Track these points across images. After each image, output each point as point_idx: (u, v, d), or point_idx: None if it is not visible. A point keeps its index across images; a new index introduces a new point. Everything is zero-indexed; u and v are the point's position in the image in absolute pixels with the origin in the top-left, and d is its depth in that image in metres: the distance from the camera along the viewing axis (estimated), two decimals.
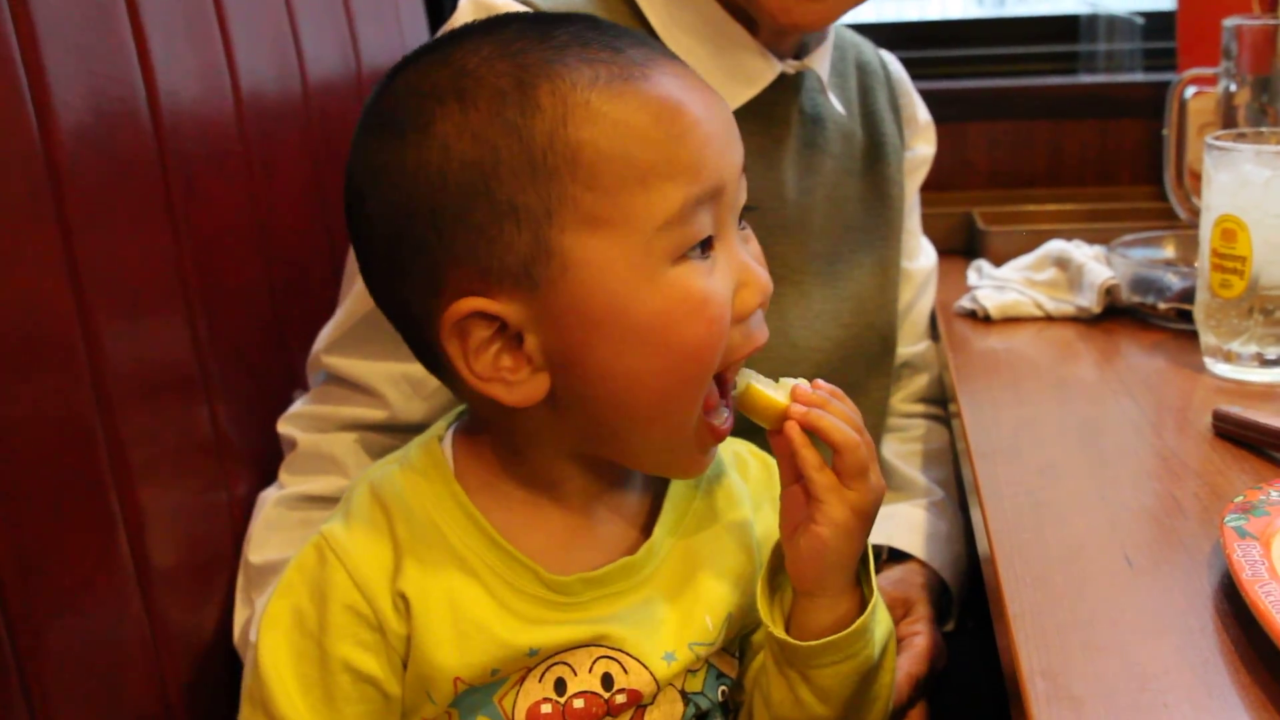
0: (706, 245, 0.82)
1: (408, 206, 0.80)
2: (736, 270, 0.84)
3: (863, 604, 0.90)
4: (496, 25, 0.83)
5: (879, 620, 0.92)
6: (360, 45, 1.57)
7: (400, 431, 1.11)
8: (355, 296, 1.13)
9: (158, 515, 1.00)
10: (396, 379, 1.11)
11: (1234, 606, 0.82)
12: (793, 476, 0.88)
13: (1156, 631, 0.81)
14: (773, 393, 0.86)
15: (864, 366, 1.32)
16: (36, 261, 0.89)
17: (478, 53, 0.80)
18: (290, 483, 1.14)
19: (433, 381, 1.05)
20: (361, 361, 1.13)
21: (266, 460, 1.19)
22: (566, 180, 0.78)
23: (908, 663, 1.12)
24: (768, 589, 0.92)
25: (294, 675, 0.86)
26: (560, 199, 0.78)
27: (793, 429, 0.85)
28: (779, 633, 0.89)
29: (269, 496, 1.14)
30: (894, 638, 0.95)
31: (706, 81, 0.86)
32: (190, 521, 1.07)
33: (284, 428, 1.17)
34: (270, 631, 0.87)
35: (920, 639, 1.15)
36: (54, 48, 0.91)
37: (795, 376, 0.89)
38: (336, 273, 1.23)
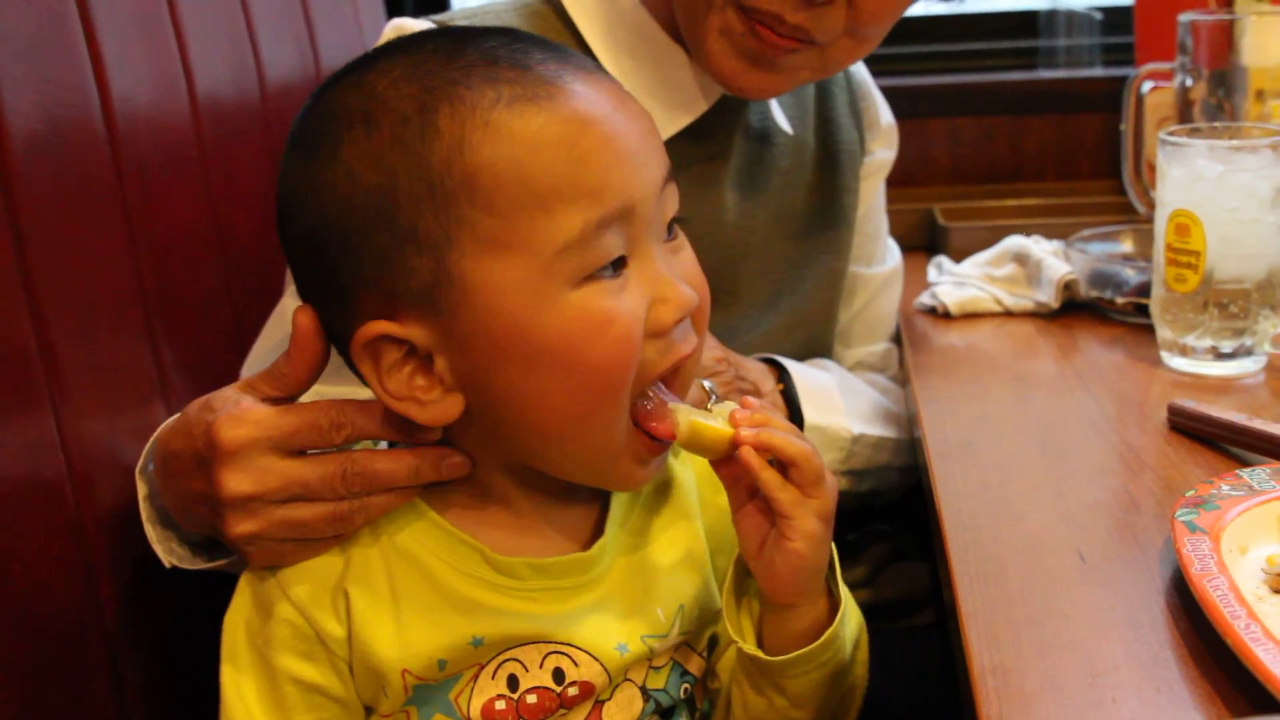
0: (619, 264, 0.81)
1: (321, 229, 0.81)
2: (653, 286, 0.82)
3: (832, 608, 0.90)
4: (414, 43, 0.83)
5: (849, 619, 0.92)
6: (319, 48, 1.57)
7: None
8: (273, 320, 1.15)
9: (119, 526, 0.99)
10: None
11: (1184, 601, 0.83)
12: (743, 499, 0.87)
13: (1107, 627, 0.82)
14: (713, 422, 0.85)
15: None
16: None
17: (389, 74, 0.81)
18: None
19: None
20: None
21: None
22: (464, 205, 0.78)
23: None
24: (734, 603, 0.92)
25: (252, 686, 0.87)
26: (459, 224, 0.78)
27: (749, 454, 0.84)
28: (751, 649, 0.89)
29: None
30: (864, 632, 0.95)
31: (629, 95, 0.85)
32: None
33: None
34: (228, 644, 0.89)
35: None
36: (4, 54, 0.91)
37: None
38: None
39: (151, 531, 0.96)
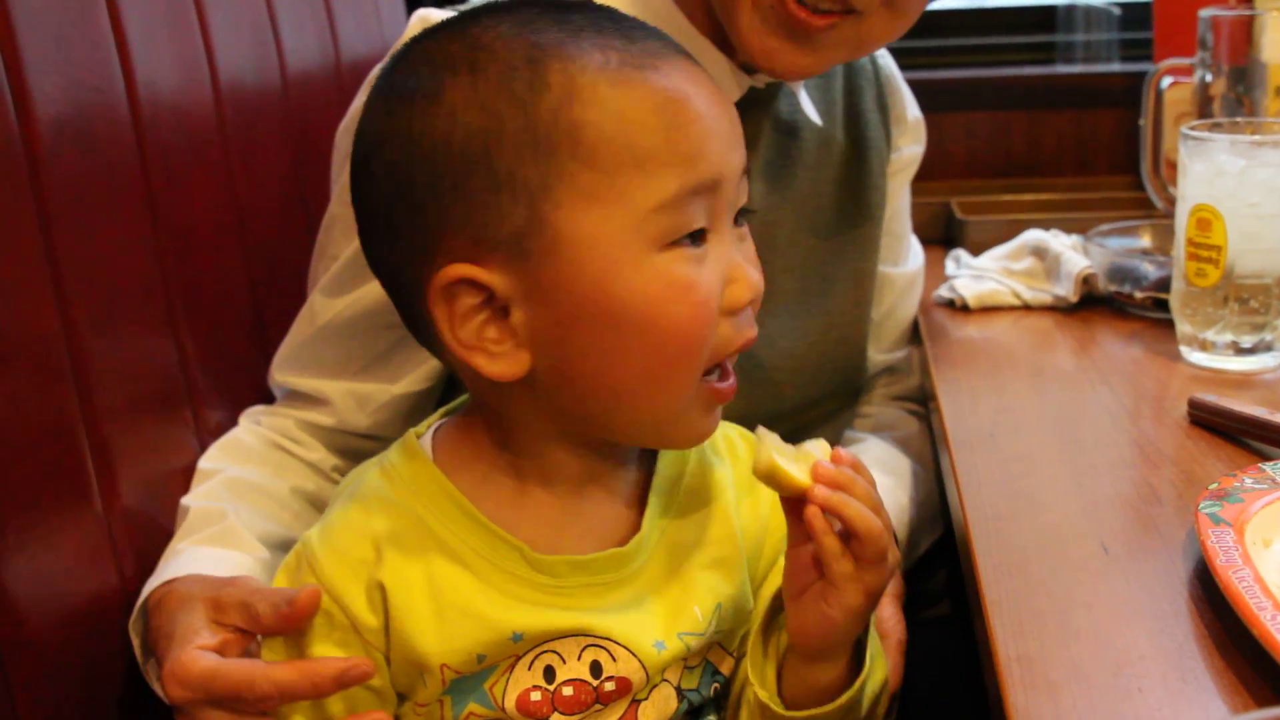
0: (699, 237, 0.83)
1: (410, 170, 0.82)
2: (727, 266, 0.85)
3: (854, 669, 0.89)
4: (518, 5, 0.85)
5: (873, 678, 0.90)
6: (339, 37, 1.57)
7: (347, 435, 1.18)
8: (302, 318, 1.17)
9: (142, 511, 1.00)
10: (344, 393, 1.16)
11: (1208, 592, 0.83)
12: (801, 538, 0.85)
13: (1131, 617, 0.82)
14: (793, 469, 0.82)
15: (834, 382, 1.31)
16: (15, 254, 0.89)
17: (494, 29, 0.82)
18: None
19: (378, 398, 1.14)
20: (311, 379, 1.17)
21: None
22: (565, 157, 0.79)
23: None
24: (761, 642, 0.91)
25: None
26: (558, 174, 0.80)
27: (815, 516, 0.81)
28: (766, 697, 0.89)
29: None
30: (887, 689, 0.93)
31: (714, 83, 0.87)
32: (173, 513, 1.06)
33: (241, 418, 1.20)
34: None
35: None
36: (31, 38, 0.91)
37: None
38: None
39: (153, 672, 0.96)
